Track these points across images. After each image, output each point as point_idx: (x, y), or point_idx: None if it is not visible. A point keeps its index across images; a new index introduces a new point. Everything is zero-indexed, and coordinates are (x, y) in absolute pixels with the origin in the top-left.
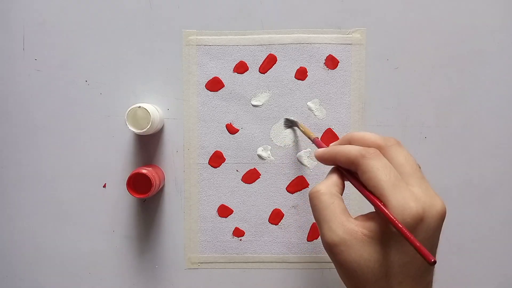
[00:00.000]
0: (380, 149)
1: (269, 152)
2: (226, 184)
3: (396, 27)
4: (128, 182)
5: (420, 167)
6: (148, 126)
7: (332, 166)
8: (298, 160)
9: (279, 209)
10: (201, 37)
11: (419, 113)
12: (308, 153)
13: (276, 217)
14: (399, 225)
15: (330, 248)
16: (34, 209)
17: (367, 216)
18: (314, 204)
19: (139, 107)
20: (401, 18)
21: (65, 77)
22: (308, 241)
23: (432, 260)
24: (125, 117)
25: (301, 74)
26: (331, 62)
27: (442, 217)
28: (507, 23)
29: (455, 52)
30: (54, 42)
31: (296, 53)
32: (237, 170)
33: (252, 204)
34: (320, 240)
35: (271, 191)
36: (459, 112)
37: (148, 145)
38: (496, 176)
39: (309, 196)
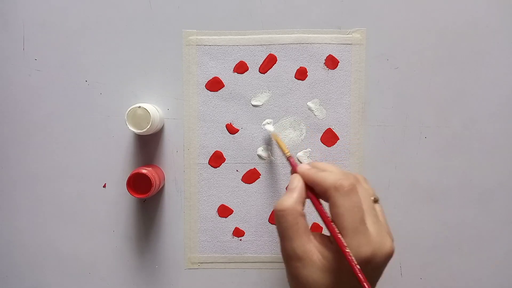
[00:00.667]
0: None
1: (269, 152)
2: (226, 184)
3: (396, 27)
4: (128, 182)
5: (377, 200)
6: (148, 126)
7: (294, 174)
8: (298, 160)
9: None
10: (201, 37)
11: (419, 113)
12: (308, 153)
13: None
14: (359, 275)
15: (288, 261)
16: (34, 209)
17: (325, 241)
18: (279, 221)
19: (139, 107)
20: (401, 18)
21: (65, 77)
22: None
23: None
24: (125, 117)
25: (301, 74)
26: (331, 62)
27: (389, 257)
28: (507, 23)
29: (455, 52)
30: (54, 42)
31: (296, 53)
32: (237, 170)
33: (252, 204)
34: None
35: (271, 191)
36: (459, 112)
37: (148, 145)
38: (496, 176)
39: (275, 212)
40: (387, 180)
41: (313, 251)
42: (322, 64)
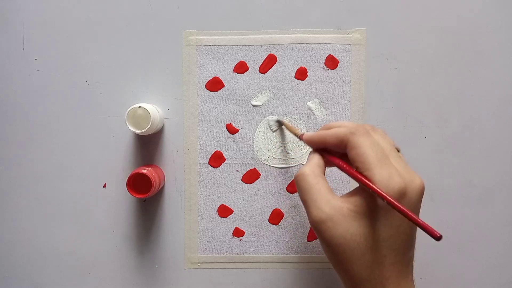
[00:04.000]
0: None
1: (269, 152)
2: (226, 184)
3: (396, 27)
4: (128, 182)
5: (399, 149)
6: (148, 126)
7: (311, 150)
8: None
9: (279, 209)
10: (201, 37)
11: (419, 113)
12: (308, 153)
13: (276, 217)
14: (397, 204)
15: (318, 225)
16: (34, 209)
17: (352, 193)
18: (301, 186)
19: (139, 107)
20: (401, 18)
21: (65, 77)
22: (308, 241)
23: (439, 235)
24: (125, 117)
25: (301, 74)
26: (331, 62)
27: (421, 192)
28: (507, 23)
29: (455, 52)
30: (54, 42)
31: (296, 53)
32: (237, 170)
33: (252, 204)
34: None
35: (271, 191)
36: (459, 112)
37: (148, 145)
38: (496, 176)
39: (295, 179)
40: None
41: (341, 205)
42: (322, 64)
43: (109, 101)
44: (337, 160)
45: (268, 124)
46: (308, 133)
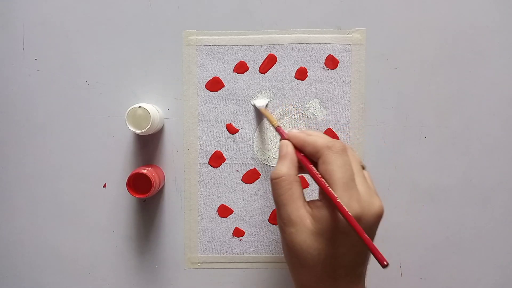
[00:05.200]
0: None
1: (269, 152)
2: (226, 184)
3: (396, 27)
4: (128, 182)
5: (364, 167)
6: (148, 126)
7: (283, 140)
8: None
9: None
10: (201, 37)
11: (419, 113)
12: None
13: (276, 217)
14: (360, 230)
15: (283, 227)
16: (34, 209)
17: (319, 204)
18: (274, 189)
19: (139, 107)
20: (401, 18)
21: (65, 77)
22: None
23: (386, 264)
24: (125, 117)
25: (301, 74)
26: (331, 62)
27: (378, 217)
28: (507, 23)
29: (455, 52)
30: (54, 42)
31: (296, 53)
32: (237, 170)
33: (252, 204)
34: None
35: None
36: (459, 112)
37: (148, 145)
38: (496, 176)
39: (271, 179)
40: (387, 180)
41: (306, 215)
42: (322, 64)
43: (109, 101)
44: (308, 164)
45: (253, 103)
46: (292, 131)
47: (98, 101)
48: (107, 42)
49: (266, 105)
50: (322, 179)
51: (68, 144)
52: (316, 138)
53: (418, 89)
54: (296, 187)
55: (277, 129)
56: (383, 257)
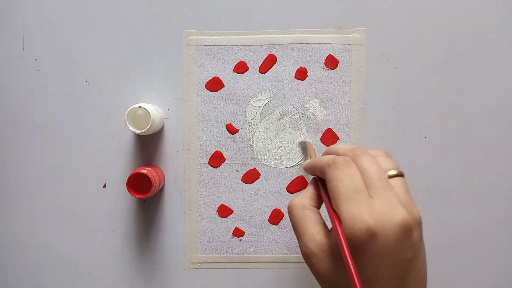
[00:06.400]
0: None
1: (269, 152)
2: (226, 184)
3: (396, 27)
4: (128, 182)
5: (402, 174)
6: (148, 126)
7: (312, 177)
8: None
9: (279, 209)
10: (201, 37)
11: (419, 113)
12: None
13: (276, 217)
14: (343, 245)
15: (305, 260)
16: (34, 209)
17: (331, 228)
18: (290, 219)
19: (139, 107)
20: (401, 18)
21: (65, 77)
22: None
23: None
24: (125, 117)
25: (301, 74)
26: (331, 62)
27: (403, 228)
28: (507, 23)
29: (455, 52)
30: (54, 42)
31: (296, 53)
32: (237, 170)
33: (252, 204)
34: None
35: (271, 191)
36: (459, 112)
37: (148, 145)
38: (496, 176)
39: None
40: None
41: (324, 242)
42: (322, 64)
43: (109, 101)
44: (322, 193)
45: (300, 145)
46: (306, 162)
47: (98, 101)
48: (107, 42)
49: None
50: (326, 198)
51: (68, 144)
52: (322, 158)
53: (418, 89)
54: (309, 214)
55: None
56: (359, 281)
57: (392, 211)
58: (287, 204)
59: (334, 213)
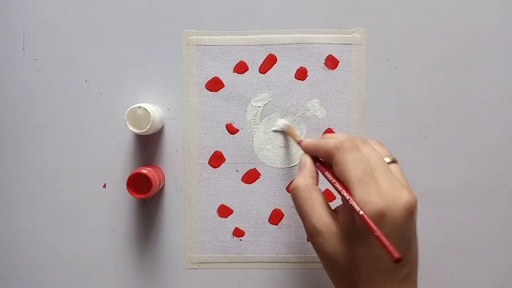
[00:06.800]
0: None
1: (269, 152)
2: (226, 184)
3: (396, 27)
4: (128, 182)
5: (396, 160)
6: (148, 126)
7: (303, 153)
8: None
9: (279, 209)
10: (201, 37)
11: (419, 113)
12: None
13: (276, 217)
14: (368, 220)
15: (311, 238)
16: (34, 209)
17: (341, 207)
18: (295, 200)
19: (139, 107)
20: (401, 18)
21: (65, 77)
22: (308, 241)
23: (396, 257)
24: (125, 117)
25: (301, 74)
26: (331, 62)
27: (408, 210)
28: (507, 23)
29: (455, 52)
30: (54, 42)
31: (296, 53)
32: (237, 170)
33: (252, 204)
34: None
35: (271, 191)
36: (459, 112)
37: (148, 145)
38: (496, 176)
39: (290, 192)
40: None
41: (331, 222)
42: (322, 64)
43: (109, 101)
44: (323, 170)
45: (276, 123)
46: (306, 140)
47: (98, 101)
48: (107, 42)
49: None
50: (336, 181)
51: (68, 144)
52: (327, 141)
53: (418, 89)
54: (316, 195)
55: (299, 143)
56: (395, 249)
57: (397, 193)
58: (287, 204)
59: (348, 192)
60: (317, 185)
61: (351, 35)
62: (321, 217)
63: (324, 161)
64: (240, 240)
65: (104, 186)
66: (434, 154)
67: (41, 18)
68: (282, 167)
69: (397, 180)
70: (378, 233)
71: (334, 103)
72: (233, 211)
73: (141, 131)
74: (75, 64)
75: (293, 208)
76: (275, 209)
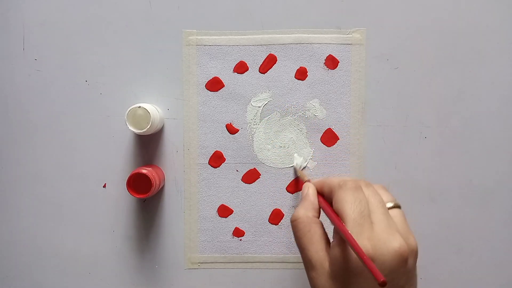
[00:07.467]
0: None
1: (269, 152)
2: (226, 184)
3: (396, 27)
4: (128, 182)
5: (399, 206)
6: (148, 126)
7: (306, 182)
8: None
9: (279, 209)
10: (201, 37)
11: (419, 113)
12: (312, 164)
13: (276, 217)
14: (359, 250)
15: (306, 271)
16: (34, 209)
17: (336, 242)
18: (294, 232)
19: (139, 107)
20: (401, 18)
21: (65, 77)
22: None
23: (381, 280)
24: (125, 117)
25: (301, 74)
26: (331, 62)
27: (399, 256)
28: (507, 23)
29: (455, 52)
30: (54, 42)
31: (296, 53)
32: (237, 170)
33: (252, 204)
34: None
35: (271, 191)
36: (459, 112)
37: (148, 145)
38: (496, 176)
39: (291, 223)
40: (387, 180)
41: (325, 258)
42: (322, 64)
43: (109, 101)
44: (324, 205)
45: (294, 159)
46: (315, 180)
47: (98, 101)
48: (107, 42)
49: (301, 166)
50: (335, 216)
51: (68, 144)
52: (333, 178)
53: (418, 89)
54: (315, 228)
55: (306, 182)
56: (380, 275)
57: (390, 238)
58: (287, 204)
59: (342, 226)
60: (318, 217)
61: (351, 35)
62: (317, 251)
63: (326, 197)
64: (240, 240)
65: (104, 186)
66: (434, 154)
67: (41, 18)
68: (282, 167)
69: (394, 225)
70: (365, 257)
71: (334, 103)
72: (233, 211)
73: (141, 131)
74: (75, 64)
75: (293, 208)
76: (275, 209)
